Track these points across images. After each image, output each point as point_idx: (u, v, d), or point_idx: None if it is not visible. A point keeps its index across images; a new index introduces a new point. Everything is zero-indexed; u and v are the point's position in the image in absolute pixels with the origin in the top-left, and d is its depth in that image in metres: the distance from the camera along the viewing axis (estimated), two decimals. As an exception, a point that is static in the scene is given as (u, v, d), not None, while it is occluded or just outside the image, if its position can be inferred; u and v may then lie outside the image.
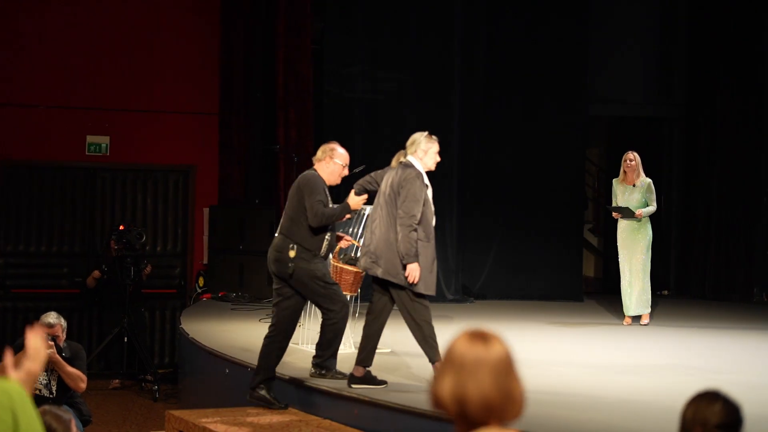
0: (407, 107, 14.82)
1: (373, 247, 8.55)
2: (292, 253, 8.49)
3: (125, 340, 13.41)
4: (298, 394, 8.61)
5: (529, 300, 14.81)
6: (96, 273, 14.09)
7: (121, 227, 13.87)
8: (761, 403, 7.95)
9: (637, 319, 12.81)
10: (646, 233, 12.66)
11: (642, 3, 16.64)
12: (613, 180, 12.96)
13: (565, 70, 15.48)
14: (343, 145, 14.18)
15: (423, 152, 8.89)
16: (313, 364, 8.78)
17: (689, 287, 16.32)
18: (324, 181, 8.69)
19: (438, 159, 8.96)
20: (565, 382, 8.63)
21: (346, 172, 8.88)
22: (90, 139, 15.17)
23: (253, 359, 9.53)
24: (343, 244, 9.33)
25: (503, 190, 15.28)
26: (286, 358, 9.76)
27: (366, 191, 9.37)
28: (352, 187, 9.51)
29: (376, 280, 8.65)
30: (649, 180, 12.68)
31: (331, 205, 8.60)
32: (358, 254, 9.11)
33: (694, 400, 3.58)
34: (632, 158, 12.65)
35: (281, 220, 8.79)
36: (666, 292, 16.44)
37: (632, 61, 16.50)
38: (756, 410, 7.52)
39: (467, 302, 14.75)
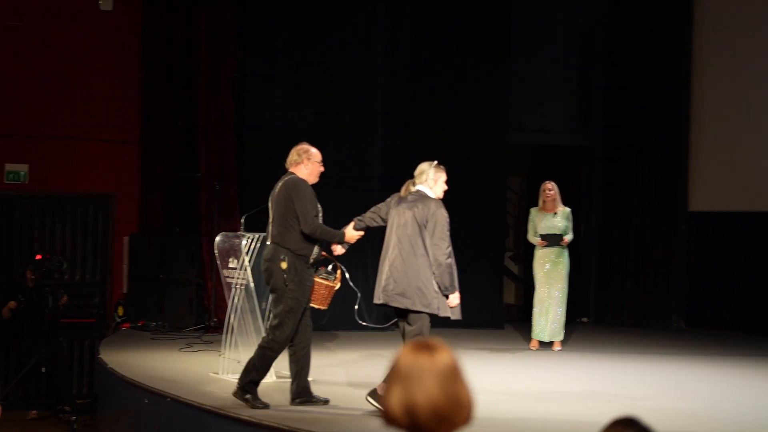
0: (329, 134, 14.82)
1: (398, 281, 8.70)
2: (284, 265, 8.56)
3: (43, 370, 13.24)
4: (216, 423, 8.55)
5: (450, 327, 14.83)
6: (12, 303, 13.89)
7: (38, 256, 13.71)
8: (678, 429, 8.04)
9: (549, 345, 13.00)
10: (566, 262, 12.89)
11: (562, 32, 16.82)
12: (532, 209, 13.15)
13: (486, 98, 15.58)
14: (264, 173, 14.27)
15: (433, 181, 9.05)
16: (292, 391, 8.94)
17: (608, 315, 16.47)
18: (310, 185, 8.88)
19: (446, 188, 9.08)
20: (485, 409, 8.66)
21: (322, 168, 9.17)
22: (9, 167, 15.00)
23: (172, 389, 9.47)
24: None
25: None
26: (206, 387, 9.71)
27: (367, 228, 9.37)
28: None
29: (398, 311, 8.80)
30: (569, 209, 12.92)
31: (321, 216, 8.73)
32: (335, 273, 9.20)
33: (608, 427, 3.60)
34: (551, 188, 12.90)
35: (269, 229, 8.77)
36: (585, 320, 16.59)
37: (552, 90, 16.67)
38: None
39: (388, 330, 14.75)
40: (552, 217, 12.89)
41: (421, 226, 8.74)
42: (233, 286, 10.37)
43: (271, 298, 8.70)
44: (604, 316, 16.53)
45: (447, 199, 15.36)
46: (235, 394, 8.72)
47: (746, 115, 15.33)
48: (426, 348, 3.08)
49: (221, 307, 12.90)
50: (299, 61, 14.86)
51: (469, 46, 15.67)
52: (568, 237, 12.87)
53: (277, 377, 10.21)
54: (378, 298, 8.93)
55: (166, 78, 15.01)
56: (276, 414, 8.42)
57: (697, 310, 15.99)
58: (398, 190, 15.06)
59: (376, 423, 6.96)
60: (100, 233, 15.30)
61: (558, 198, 12.92)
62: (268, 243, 8.77)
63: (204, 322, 13.97)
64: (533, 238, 13.00)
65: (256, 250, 10.12)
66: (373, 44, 15.12)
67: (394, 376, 3.07)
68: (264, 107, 14.73)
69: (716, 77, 15.76)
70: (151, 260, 14.57)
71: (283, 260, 8.59)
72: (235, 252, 10.34)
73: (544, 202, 12.95)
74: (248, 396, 8.68)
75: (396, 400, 3.03)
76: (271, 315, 8.77)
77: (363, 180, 14.99)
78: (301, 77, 14.85)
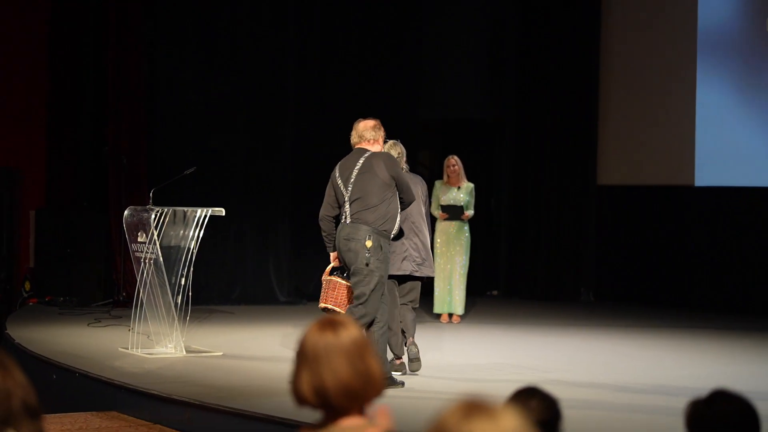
0: (240, 111, 14.75)
1: (418, 250, 9.43)
2: (369, 243, 8.40)
3: (-52, 346, 13.05)
4: (125, 398, 8.49)
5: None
6: None
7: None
8: (585, 400, 8.14)
9: (450, 317, 13.19)
10: (466, 236, 13.07)
11: (473, 8, 16.86)
12: (436, 182, 13.28)
13: (397, 73, 15.61)
14: (175, 150, 14.16)
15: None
16: None
17: (518, 288, 16.60)
18: None
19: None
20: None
21: None
22: None
23: (81, 364, 9.38)
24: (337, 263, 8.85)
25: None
26: (115, 362, 9.65)
27: None
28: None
29: (403, 278, 9.35)
30: (472, 185, 13.08)
31: None
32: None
33: (512, 397, 3.61)
34: (454, 162, 13.09)
35: (348, 207, 8.56)
36: (495, 293, 16.72)
37: (464, 64, 16.72)
38: (580, 407, 7.71)
39: (300, 304, 14.75)
40: (455, 191, 13.06)
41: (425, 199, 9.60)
42: (142, 260, 10.28)
43: (354, 278, 8.44)
44: (514, 289, 16.66)
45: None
46: None
47: (653, 90, 15.51)
48: (330, 326, 3.06)
49: (130, 281, 12.80)
50: (210, 37, 14.73)
51: (380, 21, 15.66)
52: (469, 212, 13.05)
53: (186, 351, 10.16)
54: (401, 270, 9.31)
55: (75, 51, 14.78)
56: (185, 389, 8.38)
57: (606, 283, 16.19)
58: (309, 166, 15.09)
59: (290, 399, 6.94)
60: (6, 208, 15.06)
61: (462, 173, 13.10)
62: (348, 222, 8.55)
63: (113, 296, 13.86)
64: (435, 211, 13.14)
65: (164, 224, 10.04)
66: (284, 21, 15.03)
67: (300, 357, 3.05)
68: (174, 82, 14.58)
69: (624, 52, 15.92)
70: (58, 235, 14.39)
71: (369, 239, 8.43)
72: (144, 226, 10.25)
73: (448, 176, 13.14)
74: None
75: (305, 381, 3.02)
76: (355, 295, 8.50)
77: (275, 157, 14.93)
78: (212, 53, 14.72)
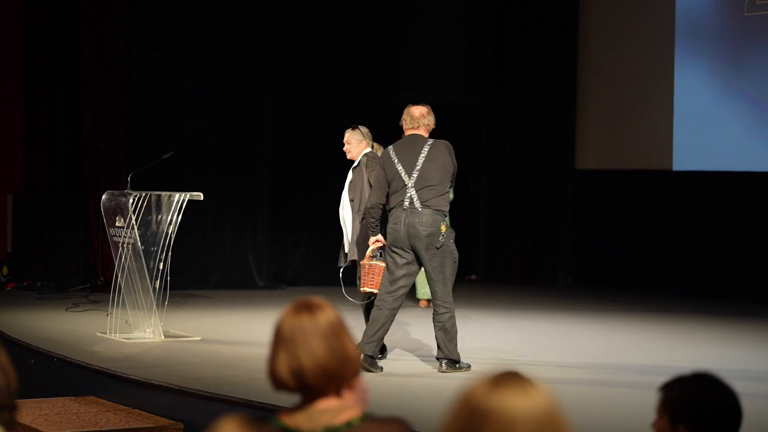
0: (217, 95, 14.71)
1: None
2: (443, 228, 8.68)
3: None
4: (104, 383, 8.49)
5: (340, 286, 14.84)
6: None
7: None
8: (560, 379, 8.17)
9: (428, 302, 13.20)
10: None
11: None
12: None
13: (374, 57, 15.59)
14: (153, 134, 14.12)
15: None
16: (441, 360, 8.75)
17: (496, 272, 16.63)
18: None
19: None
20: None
21: None
22: None
23: (59, 349, 9.38)
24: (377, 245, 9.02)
25: (314, 176, 15.29)
26: (94, 347, 9.64)
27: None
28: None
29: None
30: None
31: None
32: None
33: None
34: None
35: (415, 193, 8.65)
36: (474, 277, 16.74)
37: (441, 48, 16.71)
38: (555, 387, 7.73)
39: (279, 289, 14.74)
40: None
41: None
42: (120, 245, 10.26)
43: (432, 263, 8.65)
44: (492, 273, 16.69)
45: (336, 159, 15.41)
46: (447, 370, 8.68)
47: (631, 74, 15.53)
48: (306, 308, 3.07)
49: (108, 266, 12.77)
50: (186, 20, 14.68)
51: (358, 4, 15.63)
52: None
53: (164, 336, 10.16)
54: None
55: (51, 35, 14.71)
56: (163, 373, 8.39)
57: (584, 267, 16.23)
58: (287, 150, 15.09)
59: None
60: (-18, 192, 15.01)
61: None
62: (418, 208, 8.67)
63: (91, 281, 13.83)
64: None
65: (142, 209, 10.02)
66: (260, 3, 14.98)
67: (277, 340, 3.06)
68: (151, 66, 14.54)
69: (603, 36, 15.94)
70: (36, 219, 14.35)
71: (443, 224, 8.72)
72: (122, 210, 10.22)
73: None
74: (458, 364, 8.73)
75: (282, 364, 3.02)
76: (435, 281, 8.71)
77: (253, 141, 14.90)
78: (188, 35, 14.68)
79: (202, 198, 10.21)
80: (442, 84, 16.67)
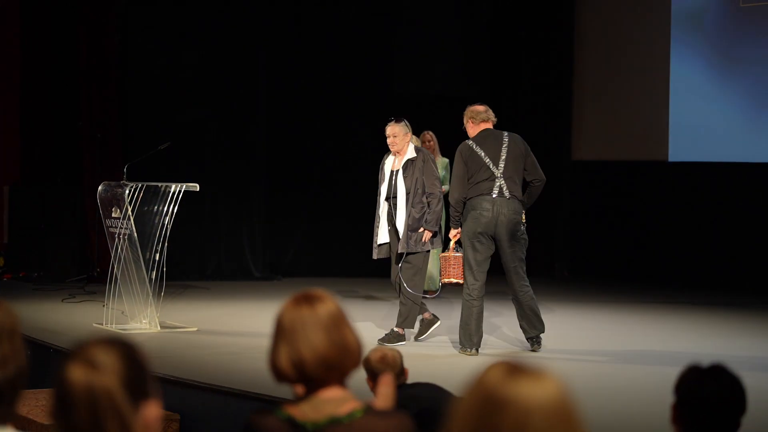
0: (214, 85, 14.69)
1: None
2: (523, 217, 9.36)
3: None
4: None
5: (337, 277, 14.89)
6: None
7: None
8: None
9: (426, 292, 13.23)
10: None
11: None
12: (413, 159, 13.25)
13: (371, 48, 15.58)
14: (150, 125, 14.10)
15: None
16: (531, 340, 9.40)
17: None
18: None
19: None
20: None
21: None
22: None
23: (55, 340, 9.37)
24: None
25: (310, 166, 15.29)
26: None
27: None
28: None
29: None
30: (447, 160, 13.06)
31: None
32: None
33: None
34: (430, 138, 13.06)
35: (505, 183, 9.19)
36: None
37: (437, 40, 16.68)
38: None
39: (275, 280, 14.75)
40: (432, 167, 13.01)
41: None
42: (116, 235, 10.26)
43: (513, 249, 9.37)
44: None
45: (333, 150, 15.41)
46: (534, 349, 9.34)
47: (627, 65, 15.54)
48: (306, 300, 3.08)
49: (104, 257, 12.77)
50: (182, 11, 14.65)
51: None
52: (446, 187, 12.95)
53: (161, 327, 10.17)
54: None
55: (47, 26, 14.69)
56: (160, 364, 8.38)
57: (580, 259, 16.23)
58: (283, 141, 15.08)
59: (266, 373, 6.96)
60: (-21, 183, 15.01)
61: (437, 148, 13.08)
62: (507, 197, 9.19)
63: (87, 272, 13.82)
64: (411, 188, 13.13)
65: (138, 200, 10.02)
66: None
67: (278, 332, 3.07)
68: (148, 57, 14.51)
69: (599, 28, 15.94)
70: (32, 210, 14.35)
71: (523, 213, 9.33)
72: (118, 201, 10.23)
73: (424, 152, 13.09)
74: (536, 346, 9.34)
75: (283, 356, 3.04)
76: (517, 266, 9.45)
77: (249, 132, 14.89)
78: (184, 27, 14.65)
79: (198, 189, 10.21)
80: (439, 76, 16.64)
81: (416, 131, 13.71)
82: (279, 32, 15.11)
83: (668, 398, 3.41)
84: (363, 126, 15.42)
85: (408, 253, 9.69)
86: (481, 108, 9.55)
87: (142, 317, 10.23)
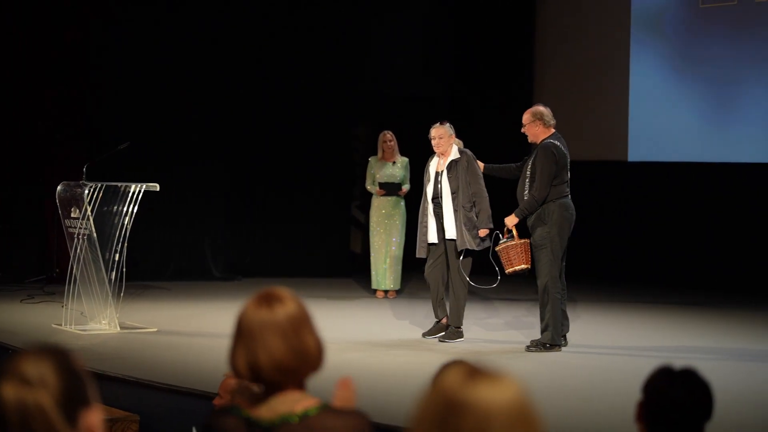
0: (175, 84, 14.63)
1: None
2: None
3: None
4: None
5: (297, 277, 14.88)
6: None
7: None
8: (517, 370, 8.21)
9: (385, 293, 13.27)
10: (402, 211, 13.12)
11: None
12: (371, 158, 13.36)
13: (336, 48, 15.57)
14: (110, 125, 14.03)
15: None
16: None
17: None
18: None
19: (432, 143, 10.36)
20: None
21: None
22: None
23: (14, 341, 9.33)
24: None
25: (271, 167, 15.27)
26: (49, 339, 9.58)
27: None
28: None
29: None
30: (407, 159, 13.15)
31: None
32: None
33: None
34: (390, 138, 13.16)
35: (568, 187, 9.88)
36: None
37: (401, 40, 16.70)
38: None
39: (235, 280, 14.72)
40: (391, 166, 13.12)
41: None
42: (76, 236, 10.22)
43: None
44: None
45: (294, 148, 15.40)
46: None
47: (588, 66, 15.61)
48: (266, 301, 3.06)
49: (64, 257, 12.70)
50: (147, 11, 14.57)
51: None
52: (406, 187, 13.11)
53: (120, 328, 10.13)
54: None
55: (9, 25, 14.58)
56: (119, 365, 8.37)
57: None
58: (245, 140, 15.05)
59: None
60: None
61: (396, 147, 13.18)
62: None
63: (46, 273, 13.75)
64: (371, 187, 13.21)
65: (98, 200, 9.98)
66: (219, -7, 14.95)
67: (237, 333, 3.07)
68: (109, 56, 14.42)
69: (559, 29, 16.01)
70: (-9, 210, 14.26)
71: None
72: (77, 201, 10.18)
73: (383, 151, 13.19)
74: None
75: (240, 358, 3.04)
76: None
77: (210, 131, 14.84)
78: (146, 27, 14.57)
79: (158, 189, 10.19)
80: (403, 75, 16.67)
81: (377, 131, 13.77)
82: (244, 32, 15.06)
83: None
84: (327, 129, 15.43)
85: (467, 250, 9.98)
86: (549, 112, 9.97)
87: (101, 318, 10.19)
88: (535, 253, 9.67)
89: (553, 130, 9.88)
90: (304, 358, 3.04)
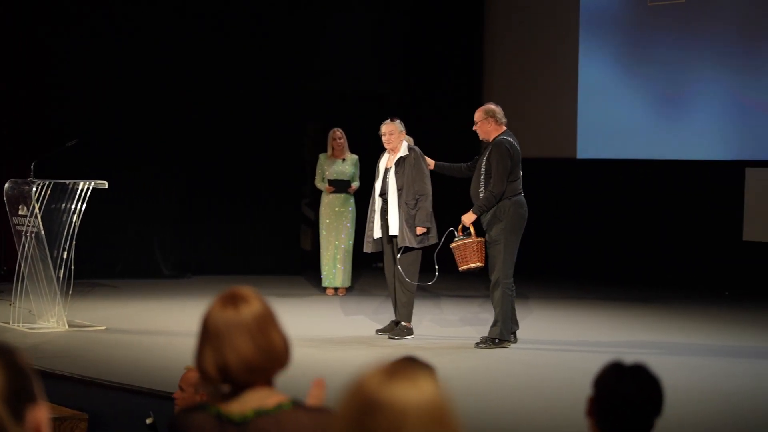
0: (123, 81, 14.54)
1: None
2: None
3: None
4: None
5: (247, 275, 14.84)
6: None
7: None
8: (456, 367, 8.22)
9: (335, 291, 13.27)
10: (352, 209, 13.11)
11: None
12: (321, 155, 13.35)
13: (284, 44, 15.53)
14: (58, 122, 13.91)
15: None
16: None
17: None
18: None
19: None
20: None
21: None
22: None
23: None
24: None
25: (221, 164, 15.21)
26: (-4, 337, 9.50)
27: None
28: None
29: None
30: (356, 156, 13.16)
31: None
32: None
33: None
34: (340, 135, 13.18)
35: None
36: (381, 265, 16.71)
37: (352, 37, 16.69)
38: (451, 372, 7.77)
39: (184, 278, 14.65)
40: (340, 164, 13.12)
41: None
42: (23, 233, 10.14)
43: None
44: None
45: (244, 146, 15.35)
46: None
47: (536, 64, 15.67)
48: (232, 301, 3.06)
49: (11, 255, 12.59)
50: (95, 6, 14.47)
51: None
52: (355, 184, 13.12)
53: (69, 326, 10.06)
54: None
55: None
56: (67, 363, 8.32)
57: (486, 256, 16.29)
58: (194, 138, 14.98)
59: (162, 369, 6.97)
60: None
61: (346, 145, 13.20)
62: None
63: (-7, 271, 13.64)
64: (321, 184, 13.21)
65: (46, 197, 9.91)
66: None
67: (203, 335, 3.05)
68: (58, 53, 14.31)
69: (508, 27, 16.06)
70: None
71: None
72: (25, 199, 10.10)
73: (333, 148, 13.19)
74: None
75: (208, 360, 3.03)
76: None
77: (157, 126, 14.76)
78: (96, 25, 14.46)
79: (106, 186, 10.13)
80: (353, 73, 16.66)
81: (327, 128, 13.76)
82: (193, 27, 15.00)
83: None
84: (277, 126, 15.40)
85: (407, 248, 10.00)
86: (501, 110, 10.07)
87: (49, 316, 10.12)
88: (489, 249, 9.71)
89: (504, 128, 9.94)
90: (272, 356, 3.04)
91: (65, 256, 9.98)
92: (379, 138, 10.37)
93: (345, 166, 13.12)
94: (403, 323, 10.14)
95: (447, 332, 10.64)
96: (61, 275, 9.99)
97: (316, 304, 12.64)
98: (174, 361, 7.79)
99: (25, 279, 10.20)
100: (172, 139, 14.90)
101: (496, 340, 9.53)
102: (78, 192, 9.96)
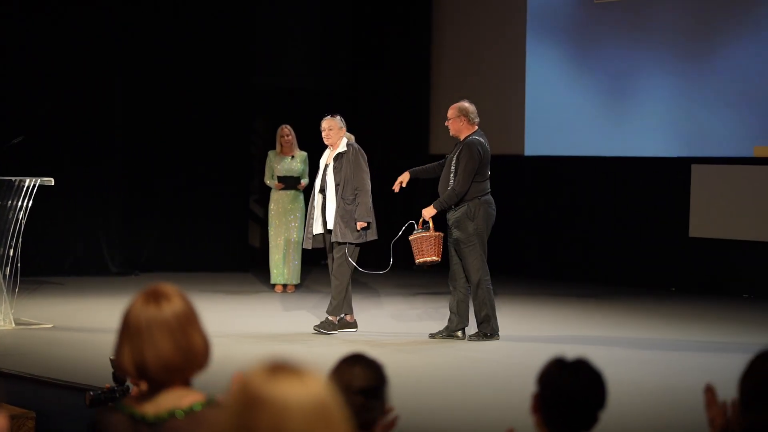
0: (67, 77, 14.42)
1: None
2: None
3: None
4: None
5: (195, 272, 14.79)
6: None
7: None
8: (405, 363, 8.23)
9: (284, 287, 13.25)
10: (301, 206, 13.08)
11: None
12: (270, 152, 13.34)
13: (229, 40, 15.47)
14: (2, 118, 13.80)
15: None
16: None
17: (361, 258, 16.63)
18: None
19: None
20: (219, 353, 8.69)
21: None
22: None
23: None
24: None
25: (168, 161, 15.15)
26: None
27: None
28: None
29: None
30: (305, 153, 13.15)
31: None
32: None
33: (337, 364, 3.61)
34: (288, 132, 13.18)
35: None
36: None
37: (296, 32, 16.68)
38: (402, 371, 7.79)
39: (132, 275, 14.58)
40: (289, 160, 13.11)
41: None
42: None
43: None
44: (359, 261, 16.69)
45: (190, 143, 15.28)
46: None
47: (484, 61, 15.72)
48: (154, 298, 3.04)
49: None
50: (37, 3, 14.36)
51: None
52: (305, 181, 13.12)
53: (15, 324, 9.99)
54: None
55: None
56: (14, 361, 8.26)
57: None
58: (140, 134, 14.90)
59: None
60: None
61: (295, 142, 13.20)
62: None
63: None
64: (270, 181, 13.19)
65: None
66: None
67: (123, 330, 3.04)
68: (5, 49, 14.19)
69: (456, 24, 16.10)
70: None
71: None
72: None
73: (281, 145, 13.18)
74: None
75: (126, 356, 3.01)
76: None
77: (103, 123, 14.69)
78: (40, 20, 14.34)
79: (53, 183, 10.06)
80: (298, 68, 16.65)
81: (276, 124, 13.73)
82: (134, 23, 14.91)
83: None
84: (224, 123, 15.35)
85: (339, 243, 10.08)
86: (474, 109, 10.04)
87: (-4, 314, 10.04)
88: (464, 250, 9.79)
89: (476, 128, 10.00)
90: (191, 356, 3.03)
91: (11, 253, 9.91)
92: (320, 136, 10.40)
93: (294, 163, 13.11)
94: (329, 317, 10.12)
95: (396, 328, 10.64)
96: (8, 273, 9.91)
97: (264, 300, 12.62)
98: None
99: (-28, 278, 10.11)
100: (119, 135, 14.82)
101: (488, 334, 9.74)
102: (24, 189, 9.89)
